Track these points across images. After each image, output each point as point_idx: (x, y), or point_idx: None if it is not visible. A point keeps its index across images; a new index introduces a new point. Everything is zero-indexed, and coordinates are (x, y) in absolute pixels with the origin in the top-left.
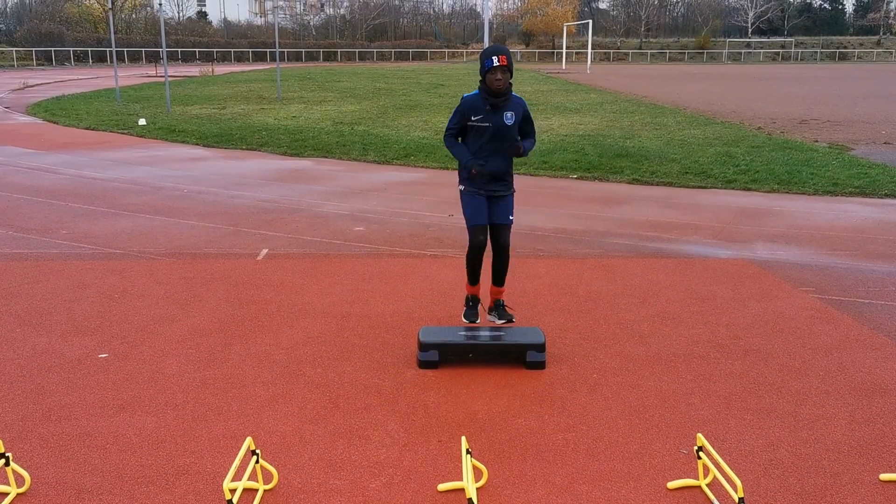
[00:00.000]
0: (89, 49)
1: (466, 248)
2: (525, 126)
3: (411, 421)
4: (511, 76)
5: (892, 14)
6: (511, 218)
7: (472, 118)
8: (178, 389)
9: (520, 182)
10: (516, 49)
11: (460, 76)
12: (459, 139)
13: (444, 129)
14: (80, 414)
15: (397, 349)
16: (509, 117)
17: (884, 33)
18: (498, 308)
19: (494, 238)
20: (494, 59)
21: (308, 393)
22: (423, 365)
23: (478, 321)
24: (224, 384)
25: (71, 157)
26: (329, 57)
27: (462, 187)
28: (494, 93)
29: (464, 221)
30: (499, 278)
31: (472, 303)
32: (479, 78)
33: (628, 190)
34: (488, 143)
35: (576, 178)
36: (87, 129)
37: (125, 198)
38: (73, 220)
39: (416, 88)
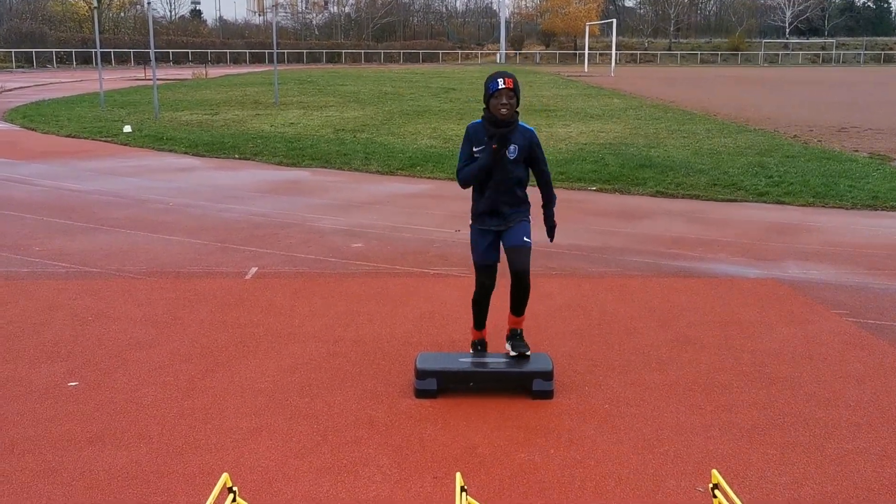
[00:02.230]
0: (73, 50)
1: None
2: (535, 163)
3: (405, 455)
4: (518, 103)
5: None
6: (527, 240)
7: (475, 149)
8: (152, 421)
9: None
10: (535, 50)
11: (473, 79)
12: None
13: (456, 171)
14: (46, 447)
15: (393, 377)
16: (512, 150)
17: None
18: (514, 337)
19: (510, 263)
20: (500, 81)
21: (294, 425)
22: (421, 394)
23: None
24: (203, 415)
25: (49, 167)
26: (332, 58)
27: (472, 217)
28: (499, 122)
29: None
30: (517, 307)
31: (479, 347)
32: (483, 105)
33: (651, 203)
34: (494, 177)
35: (595, 191)
36: (67, 136)
37: (106, 211)
38: (47, 236)
39: (425, 93)
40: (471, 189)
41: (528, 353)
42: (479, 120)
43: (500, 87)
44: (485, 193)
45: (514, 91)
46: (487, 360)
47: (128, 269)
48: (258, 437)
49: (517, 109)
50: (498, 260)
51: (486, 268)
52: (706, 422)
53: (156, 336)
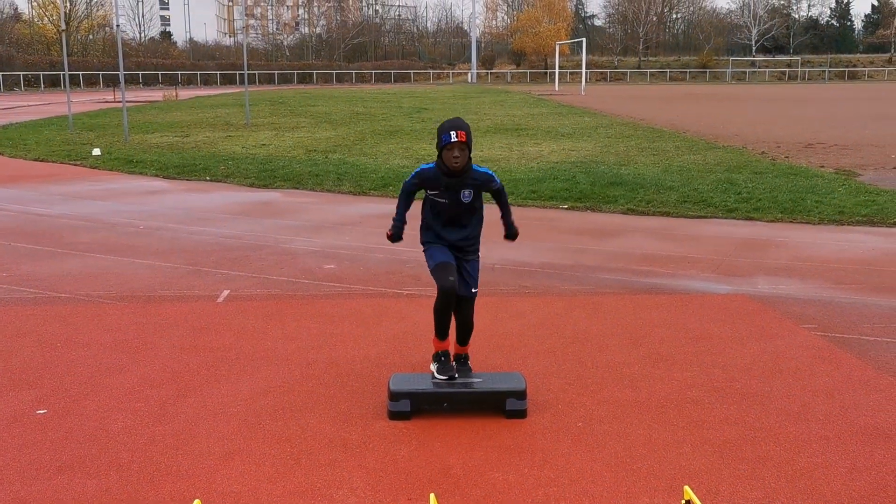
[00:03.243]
0: (41, 73)
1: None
2: (497, 198)
3: (379, 477)
4: (470, 152)
5: None
6: (474, 290)
7: (430, 192)
8: (123, 448)
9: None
10: (506, 69)
11: (445, 99)
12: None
13: (402, 186)
14: (13, 477)
15: (367, 399)
16: (466, 195)
17: (895, 51)
18: (459, 361)
19: (456, 310)
20: (452, 134)
21: (267, 448)
22: (394, 416)
23: (455, 375)
24: (175, 441)
25: (16, 191)
26: (304, 79)
27: (423, 244)
28: (451, 172)
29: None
30: (462, 340)
31: (443, 357)
32: (437, 153)
33: (622, 221)
34: (447, 219)
35: (566, 209)
36: (35, 160)
37: (74, 236)
38: (14, 262)
39: (397, 113)
40: (422, 213)
41: (457, 377)
42: (431, 164)
43: (452, 140)
44: (438, 232)
45: (467, 143)
46: (461, 380)
47: (97, 294)
48: (231, 462)
49: (469, 157)
50: (455, 263)
51: (445, 267)
52: (678, 438)
53: (126, 362)
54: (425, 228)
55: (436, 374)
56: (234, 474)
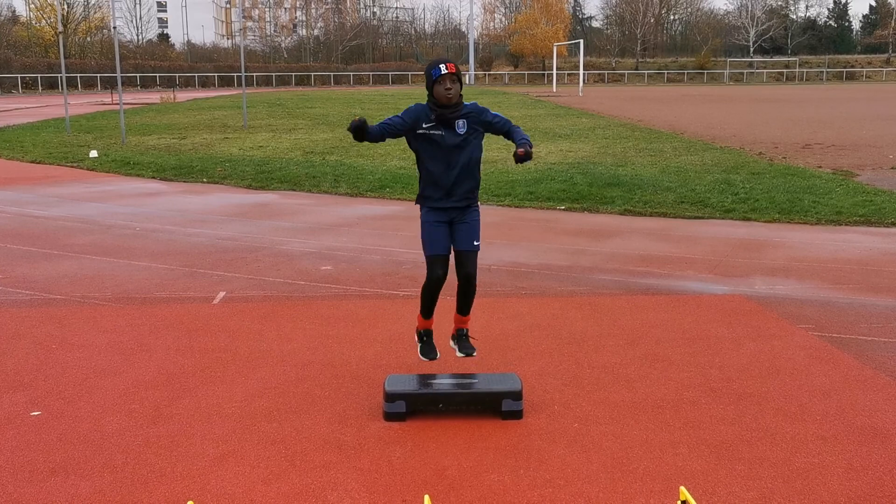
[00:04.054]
0: (39, 75)
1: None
2: (495, 124)
3: (374, 479)
4: (461, 87)
5: None
6: (476, 244)
7: (424, 125)
8: (117, 450)
9: (502, 214)
10: (504, 71)
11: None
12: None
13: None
14: (6, 479)
15: (362, 400)
16: (461, 125)
17: (893, 51)
18: (460, 338)
19: (458, 266)
20: (442, 67)
21: (262, 450)
22: (389, 417)
23: (437, 356)
24: (169, 443)
25: (12, 193)
26: (302, 81)
27: (421, 208)
28: (445, 105)
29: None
30: (464, 307)
31: (426, 338)
32: (427, 95)
33: (619, 222)
34: (444, 157)
35: (563, 210)
36: (32, 162)
37: (70, 238)
38: (9, 264)
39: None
40: (419, 170)
41: (475, 354)
42: (424, 103)
43: (442, 72)
44: (436, 173)
45: (457, 75)
46: (456, 381)
47: (93, 296)
48: (225, 464)
49: (461, 92)
50: (449, 252)
51: (438, 259)
52: (675, 439)
53: (121, 363)
54: (424, 179)
55: (419, 355)
56: (228, 476)
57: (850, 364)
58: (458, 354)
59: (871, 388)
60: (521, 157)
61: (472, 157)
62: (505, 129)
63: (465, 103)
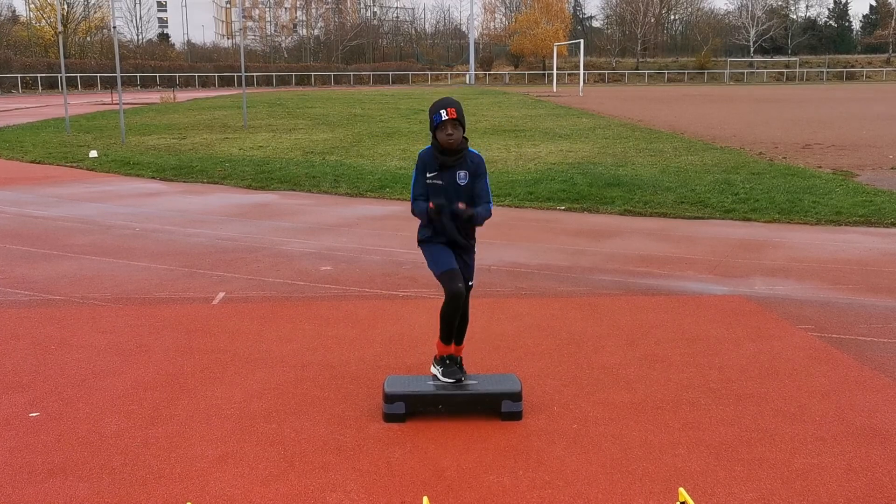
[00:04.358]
0: (38, 75)
1: (443, 296)
2: (476, 185)
3: (373, 480)
4: (464, 130)
5: None
6: (471, 283)
7: (428, 175)
8: (115, 451)
9: (502, 214)
10: (504, 71)
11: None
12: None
13: (411, 199)
14: (4, 480)
15: (361, 401)
16: (462, 176)
17: (893, 51)
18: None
19: None
20: (443, 112)
21: (261, 451)
22: (389, 418)
23: (463, 379)
24: (168, 444)
25: (12, 193)
26: (302, 81)
27: (420, 241)
28: (446, 151)
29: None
30: (458, 338)
31: (449, 361)
32: (431, 135)
33: (619, 222)
34: (442, 205)
35: (563, 210)
36: (32, 162)
37: (70, 238)
38: (9, 264)
39: (394, 114)
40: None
41: (464, 379)
42: (429, 147)
43: (443, 118)
44: (434, 222)
45: (458, 120)
46: (456, 382)
47: (92, 297)
48: (224, 465)
49: (465, 136)
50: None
51: (452, 273)
52: (674, 439)
53: (120, 364)
54: (423, 223)
55: (441, 378)
56: (227, 477)
57: (849, 365)
58: (462, 380)
59: (871, 389)
60: (462, 213)
61: (471, 202)
62: (478, 197)
63: (472, 151)
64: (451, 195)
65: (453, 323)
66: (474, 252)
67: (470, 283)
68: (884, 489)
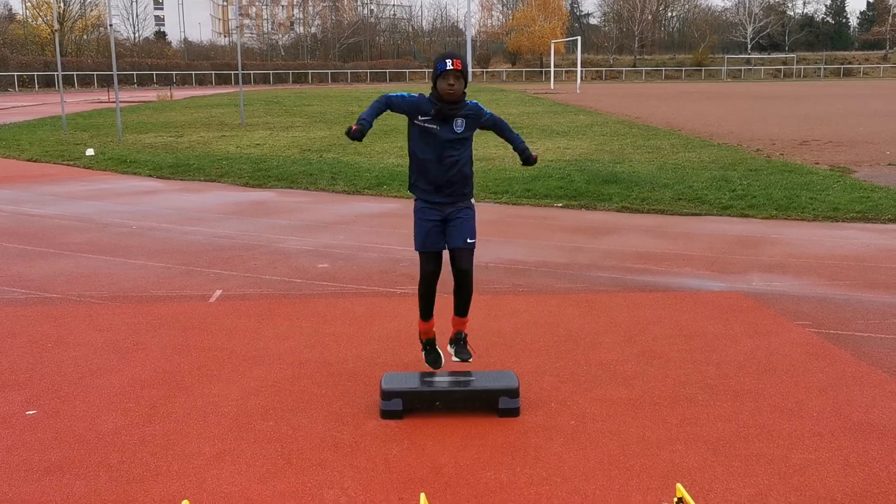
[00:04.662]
0: (35, 73)
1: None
2: (494, 125)
3: (370, 477)
4: (465, 84)
5: None
6: (470, 241)
7: (420, 117)
8: (112, 449)
9: (500, 211)
10: (502, 68)
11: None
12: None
13: (387, 96)
14: (1, 478)
15: (359, 398)
16: (459, 124)
17: (890, 48)
18: (458, 342)
19: (453, 264)
20: (448, 62)
21: (258, 448)
22: (386, 415)
23: (442, 364)
24: (165, 441)
25: (9, 192)
26: (299, 79)
27: (415, 200)
28: (446, 101)
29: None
30: (461, 308)
31: (429, 346)
32: (431, 86)
33: (616, 219)
34: (437, 152)
35: (561, 207)
36: (28, 160)
37: (67, 236)
38: (5, 262)
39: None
40: (410, 159)
41: (471, 360)
42: (427, 95)
43: (447, 67)
44: (427, 166)
45: (462, 72)
46: (453, 379)
47: (89, 295)
48: (221, 463)
49: (464, 90)
50: (442, 248)
51: (428, 255)
52: (671, 435)
53: (117, 362)
54: (415, 170)
55: (425, 363)
56: (224, 475)
57: (846, 360)
58: (454, 359)
59: (868, 385)
60: (533, 161)
61: (463, 155)
62: (503, 131)
63: (467, 101)
64: (445, 141)
65: (426, 298)
66: (472, 208)
67: (469, 241)
68: (881, 484)
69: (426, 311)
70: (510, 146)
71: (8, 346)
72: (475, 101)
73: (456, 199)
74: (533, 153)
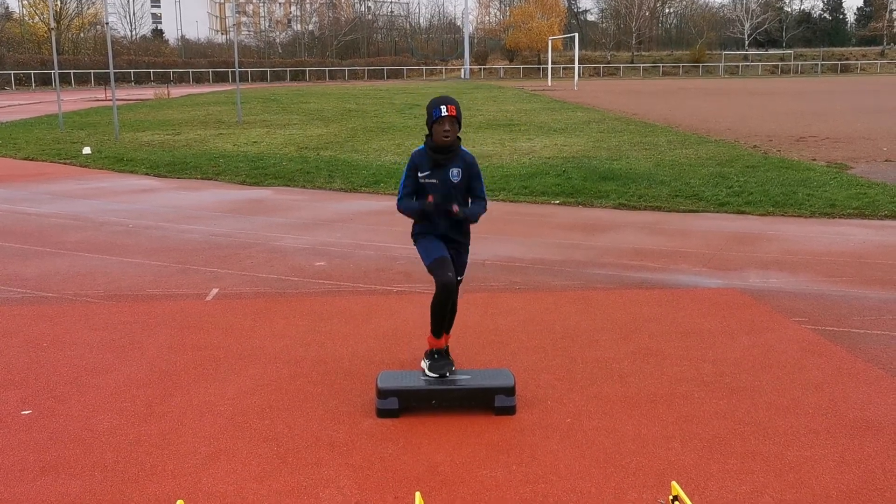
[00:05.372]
0: (32, 72)
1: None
2: (473, 186)
3: (366, 476)
4: (460, 129)
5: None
6: (460, 279)
7: (420, 174)
8: (108, 448)
9: (497, 209)
10: (499, 65)
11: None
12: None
13: (398, 198)
14: None
15: (355, 397)
16: (455, 174)
17: (887, 44)
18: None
19: None
20: (443, 108)
21: (253, 447)
22: (382, 414)
23: (448, 374)
24: (160, 441)
25: (5, 190)
26: (296, 76)
27: (414, 236)
28: (440, 148)
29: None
30: (448, 325)
31: (437, 355)
32: (426, 131)
33: (613, 216)
34: (437, 203)
35: (558, 204)
36: (25, 159)
37: (63, 235)
38: (1, 261)
39: (389, 109)
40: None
41: (448, 373)
42: (422, 146)
43: (443, 114)
44: (431, 218)
45: (457, 118)
46: (449, 377)
47: (85, 294)
48: (216, 462)
49: (459, 135)
50: (451, 257)
51: (443, 262)
52: (667, 433)
53: (113, 361)
54: (417, 219)
55: (427, 371)
56: (219, 474)
57: (842, 357)
58: (448, 375)
59: (864, 381)
60: (455, 215)
61: (463, 200)
62: (473, 190)
63: (464, 150)
64: (446, 193)
65: (444, 315)
66: (468, 250)
67: (458, 279)
68: (877, 481)
69: (439, 328)
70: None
71: (3, 346)
72: (473, 155)
73: (458, 245)
74: (471, 216)
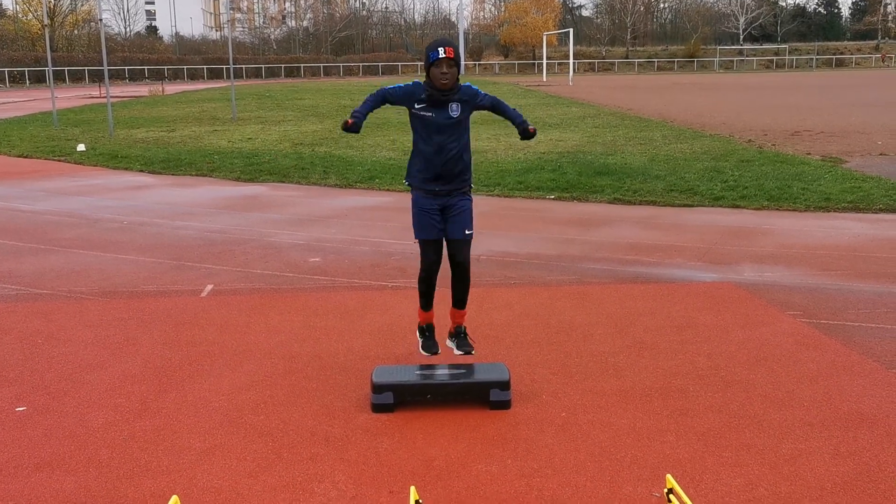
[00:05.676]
0: (26, 69)
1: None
2: (496, 109)
3: (361, 471)
4: (459, 71)
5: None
6: (468, 232)
7: (416, 105)
8: (102, 444)
9: (492, 204)
10: (494, 61)
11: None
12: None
13: (381, 90)
14: None
15: (350, 392)
16: (454, 108)
17: (882, 38)
18: (458, 336)
19: (451, 256)
20: (440, 50)
21: (248, 443)
22: (377, 408)
23: (438, 351)
24: (155, 437)
25: None
26: (291, 73)
27: (410, 187)
28: (439, 89)
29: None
30: (459, 301)
31: (427, 332)
32: (424, 74)
33: (608, 210)
34: (434, 138)
35: (553, 199)
36: (19, 156)
37: (57, 232)
38: None
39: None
40: (413, 148)
41: (474, 352)
42: (421, 83)
43: (440, 56)
44: (426, 154)
45: (455, 60)
46: (444, 371)
47: (79, 290)
48: (211, 457)
49: (458, 76)
50: (442, 236)
51: (428, 243)
52: (662, 426)
53: (107, 357)
54: (414, 158)
55: (420, 350)
56: (214, 469)
57: (837, 350)
58: (456, 353)
59: (858, 374)
60: (531, 135)
61: (461, 139)
62: (501, 110)
63: (461, 84)
64: (441, 128)
65: (427, 288)
66: (469, 195)
67: (468, 233)
68: (871, 473)
69: (426, 302)
70: (504, 142)
71: None
72: (468, 83)
73: (455, 186)
74: (530, 127)
